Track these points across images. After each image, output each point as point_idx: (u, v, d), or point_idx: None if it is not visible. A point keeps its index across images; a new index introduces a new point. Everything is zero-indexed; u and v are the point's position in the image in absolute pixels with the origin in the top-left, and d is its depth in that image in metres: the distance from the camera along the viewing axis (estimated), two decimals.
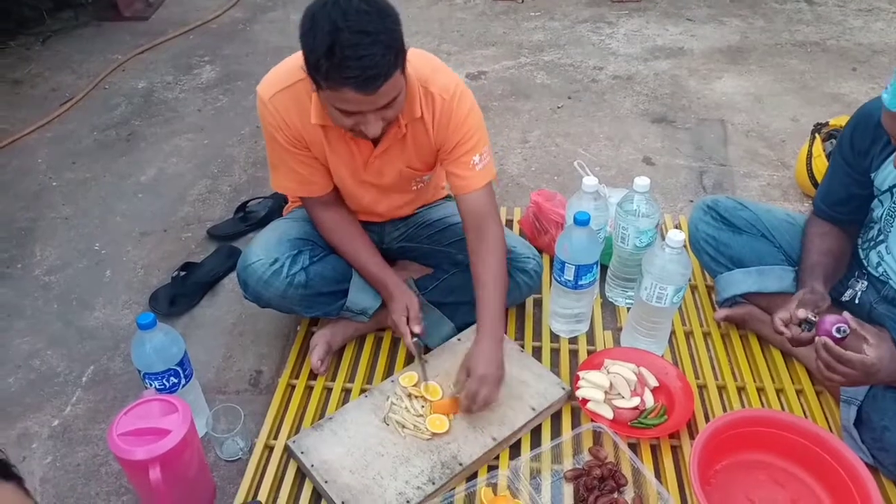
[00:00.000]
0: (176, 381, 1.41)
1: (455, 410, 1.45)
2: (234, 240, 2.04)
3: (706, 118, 2.67)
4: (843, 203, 1.48)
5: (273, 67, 1.44)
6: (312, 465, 1.37)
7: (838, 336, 1.24)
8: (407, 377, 1.52)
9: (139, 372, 1.39)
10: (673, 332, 1.70)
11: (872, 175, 1.39)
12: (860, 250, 1.49)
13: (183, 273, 1.90)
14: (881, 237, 1.43)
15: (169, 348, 1.39)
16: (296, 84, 1.38)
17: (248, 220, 2.08)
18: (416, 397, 1.48)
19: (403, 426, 1.42)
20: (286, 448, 1.43)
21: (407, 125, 1.43)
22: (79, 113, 2.78)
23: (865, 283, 1.48)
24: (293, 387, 1.58)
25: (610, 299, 1.82)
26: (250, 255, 1.54)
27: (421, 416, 1.44)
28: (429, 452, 1.39)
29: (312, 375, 1.61)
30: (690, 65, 3.03)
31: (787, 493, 1.34)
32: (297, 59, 1.42)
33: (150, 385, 1.39)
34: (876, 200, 1.42)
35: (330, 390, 1.58)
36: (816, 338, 1.26)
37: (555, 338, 1.71)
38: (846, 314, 1.25)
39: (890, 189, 1.37)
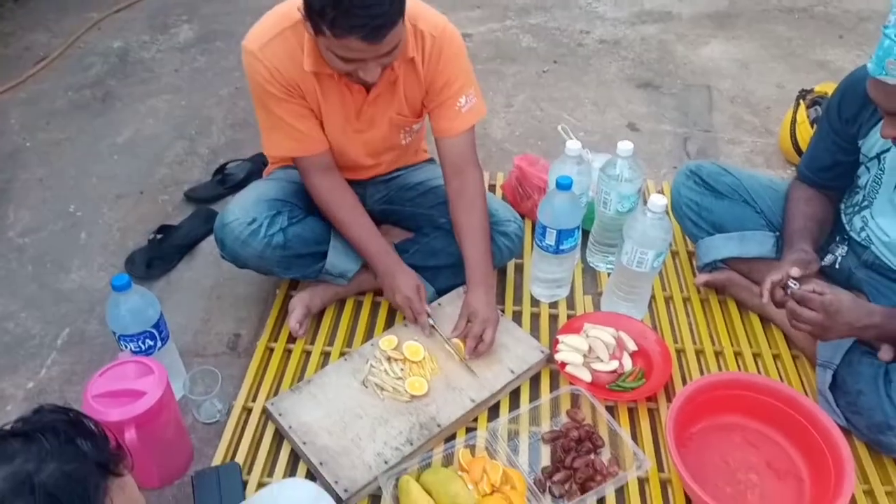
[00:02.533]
0: (152, 343, 1.39)
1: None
2: (213, 203, 2.01)
3: (692, 84, 2.65)
4: (828, 170, 1.47)
5: (255, 24, 1.41)
6: (290, 427, 1.36)
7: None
8: (386, 340, 1.51)
9: (114, 334, 1.37)
10: (653, 298, 1.71)
11: (860, 142, 1.39)
12: (843, 215, 1.49)
13: (160, 236, 1.87)
14: (866, 202, 1.43)
15: (144, 310, 1.37)
16: (284, 32, 1.36)
17: (227, 182, 2.05)
18: (396, 360, 1.48)
19: (382, 388, 1.42)
20: (264, 410, 1.43)
21: (399, 67, 1.42)
22: (53, 73, 2.71)
23: (846, 248, 1.48)
24: (272, 350, 1.57)
25: (591, 265, 1.82)
26: (228, 215, 1.52)
27: (400, 378, 1.44)
28: (407, 414, 1.39)
29: (291, 339, 1.60)
30: (678, 30, 3.00)
31: (762, 454, 1.36)
32: (280, 9, 1.39)
33: (126, 347, 1.37)
34: (862, 167, 1.41)
35: (309, 354, 1.57)
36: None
37: (535, 302, 1.71)
38: (793, 269, 1.32)
39: (877, 156, 1.36)
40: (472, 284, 1.49)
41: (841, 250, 1.48)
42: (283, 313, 1.63)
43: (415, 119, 1.56)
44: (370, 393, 1.43)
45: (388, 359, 1.48)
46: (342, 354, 1.55)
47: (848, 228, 1.47)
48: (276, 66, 1.38)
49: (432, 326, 1.50)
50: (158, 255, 1.82)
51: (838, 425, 1.36)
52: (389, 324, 1.63)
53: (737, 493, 1.30)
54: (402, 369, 1.46)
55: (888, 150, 1.33)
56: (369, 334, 1.61)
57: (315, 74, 1.39)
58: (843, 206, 1.50)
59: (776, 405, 1.36)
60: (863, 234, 1.43)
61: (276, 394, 1.47)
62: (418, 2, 1.43)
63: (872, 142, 1.36)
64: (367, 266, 1.60)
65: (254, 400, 1.47)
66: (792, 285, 1.31)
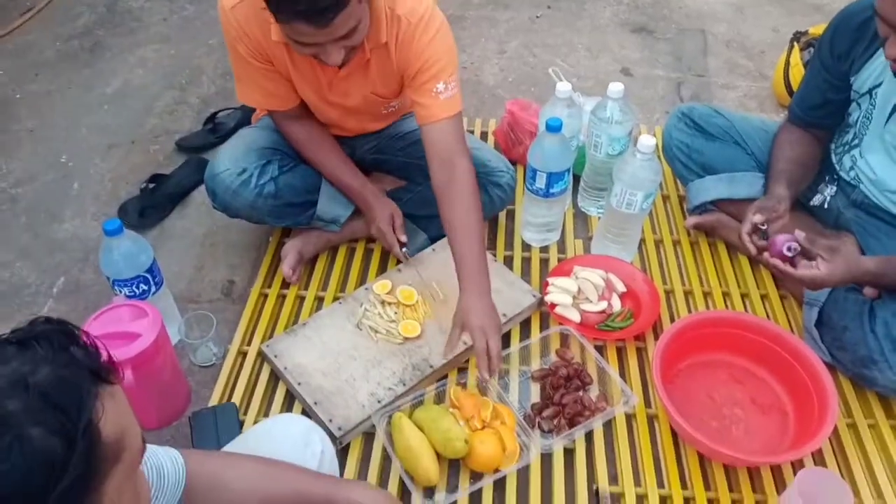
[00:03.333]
0: (146, 287, 1.41)
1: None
2: (204, 151, 2.01)
3: (687, 28, 2.61)
4: (819, 108, 1.47)
5: None
6: (286, 368, 1.39)
7: (789, 255, 1.26)
8: (380, 285, 1.52)
9: (108, 279, 1.39)
10: (643, 241, 1.72)
11: (852, 79, 1.38)
12: (833, 154, 1.49)
13: (152, 185, 1.87)
14: (856, 141, 1.43)
15: (137, 255, 1.38)
16: None
17: (218, 131, 2.04)
18: (389, 304, 1.50)
19: (376, 331, 1.44)
20: (260, 352, 1.45)
21: (371, 50, 1.38)
22: (40, 23, 2.67)
23: (835, 188, 1.49)
24: (266, 296, 1.59)
25: (582, 209, 1.82)
26: (218, 165, 1.52)
27: (393, 321, 1.46)
28: (400, 356, 1.41)
29: (285, 285, 1.61)
30: None
31: (746, 389, 1.39)
32: None
33: (120, 292, 1.39)
34: (853, 104, 1.41)
35: (303, 299, 1.59)
36: (766, 254, 1.30)
37: (526, 247, 1.72)
38: (797, 232, 1.26)
39: (869, 91, 1.36)
40: (464, 291, 1.31)
41: (830, 190, 1.49)
42: (277, 260, 1.64)
43: (393, 98, 1.53)
44: (364, 335, 1.45)
45: (383, 302, 1.50)
46: (336, 299, 1.56)
47: (837, 168, 1.47)
48: (245, 30, 1.36)
49: (406, 256, 1.51)
50: (151, 205, 1.82)
51: (823, 361, 1.39)
52: (382, 269, 1.64)
53: (722, 427, 1.34)
54: (395, 312, 1.48)
55: (879, 84, 1.33)
56: (362, 279, 1.63)
57: (285, 44, 1.35)
58: (833, 145, 1.50)
59: (762, 342, 1.38)
60: (852, 174, 1.43)
61: (270, 337, 1.49)
62: None
63: (864, 77, 1.36)
64: (359, 212, 1.61)
65: (249, 343, 1.49)
66: (762, 227, 1.33)
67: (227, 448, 1.05)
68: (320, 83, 1.46)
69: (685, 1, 2.76)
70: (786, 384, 1.37)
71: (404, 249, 1.50)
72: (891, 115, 1.32)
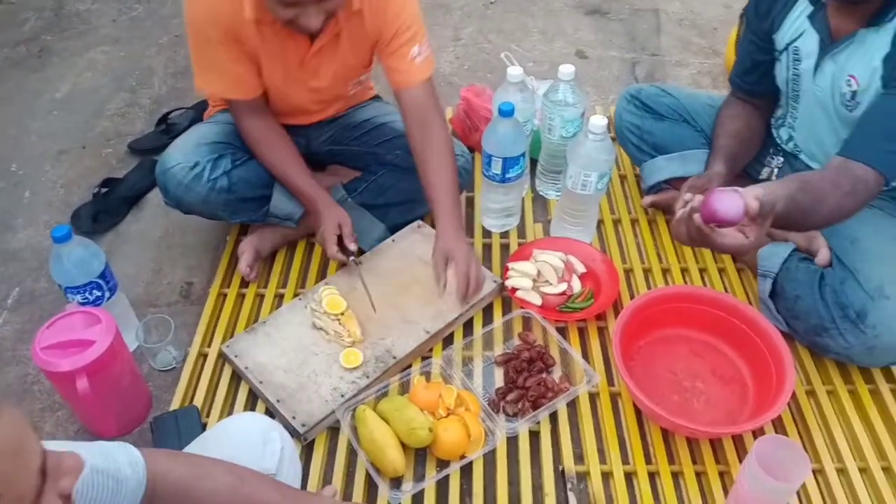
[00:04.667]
0: (99, 293, 1.38)
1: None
2: (157, 153, 1.94)
3: (640, 8, 2.63)
4: (750, 72, 1.50)
5: None
6: (247, 368, 1.38)
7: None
8: (329, 300, 1.47)
9: (60, 287, 1.36)
10: (602, 221, 1.73)
11: (774, 36, 1.40)
12: (773, 129, 1.51)
13: (104, 189, 1.84)
14: (790, 110, 1.47)
15: (89, 261, 1.36)
16: None
17: (171, 132, 2.01)
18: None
19: (326, 332, 1.43)
20: (220, 353, 1.44)
21: (345, 19, 1.38)
22: None
23: (781, 159, 1.51)
24: (225, 296, 1.57)
25: (540, 192, 1.83)
26: (169, 159, 1.49)
27: (339, 321, 1.44)
28: (363, 349, 1.41)
29: (244, 284, 1.60)
30: None
31: (706, 363, 1.40)
32: None
33: (73, 299, 1.36)
34: (779, 65, 1.43)
35: (262, 297, 1.57)
36: (696, 216, 1.08)
37: (487, 234, 1.72)
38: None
39: (787, 47, 1.39)
40: (441, 229, 1.45)
41: (777, 161, 1.51)
42: (235, 259, 1.62)
43: (363, 70, 1.53)
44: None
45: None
46: (296, 295, 1.55)
47: (778, 141, 1.49)
48: (216, 11, 1.34)
49: (353, 262, 1.49)
50: (104, 209, 1.79)
51: (780, 331, 1.41)
52: (343, 264, 1.62)
53: (683, 400, 1.35)
54: (338, 316, 1.46)
55: (798, 37, 1.36)
56: (322, 274, 1.62)
57: (256, 22, 1.35)
58: (772, 119, 1.52)
59: (719, 315, 1.40)
60: (790, 145, 1.46)
61: (231, 338, 1.47)
62: None
63: (784, 32, 1.39)
64: None
65: (209, 345, 1.48)
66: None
67: (187, 450, 1.04)
68: (290, 62, 1.44)
69: None
70: (744, 355, 1.38)
71: (352, 258, 1.49)
72: (817, 67, 1.35)
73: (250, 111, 1.50)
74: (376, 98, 1.76)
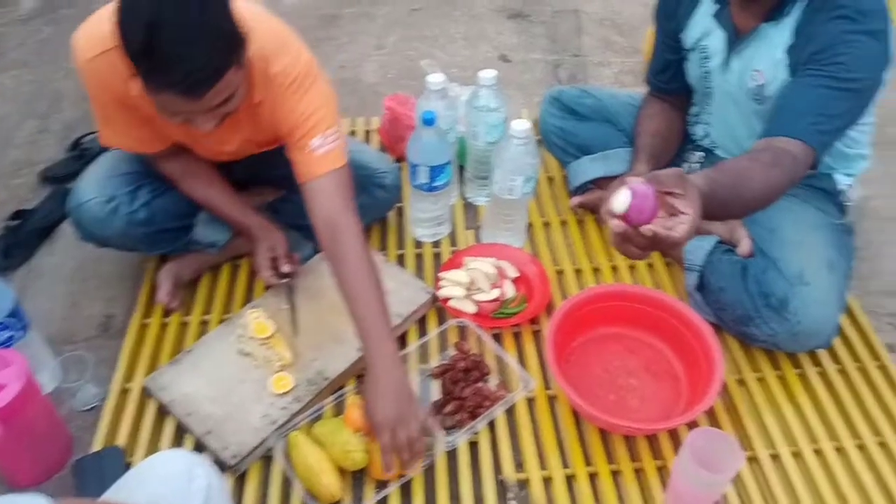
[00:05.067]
0: (10, 334, 1.31)
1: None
2: (71, 181, 1.85)
3: (560, 10, 2.65)
4: (663, 72, 1.52)
5: (94, 15, 1.23)
6: (173, 401, 1.32)
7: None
8: (256, 324, 1.43)
9: None
10: (532, 224, 1.73)
11: (681, 35, 1.43)
12: (689, 126, 1.54)
13: (16, 222, 1.75)
14: (700, 108, 1.50)
15: None
16: (111, 51, 1.13)
17: (85, 156, 1.91)
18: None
19: (254, 358, 1.38)
20: (144, 388, 1.38)
21: (244, 109, 1.29)
22: None
23: (702, 154, 1.54)
24: (147, 327, 1.51)
25: (470, 199, 1.82)
26: (82, 194, 1.42)
27: (266, 345, 1.40)
28: (294, 372, 1.37)
29: (167, 313, 1.53)
30: None
31: (640, 359, 1.41)
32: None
33: None
34: (689, 64, 1.46)
35: (187, 325, 1.52)
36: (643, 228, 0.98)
37: (418, 243, 1.70)
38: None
39: (695, 45, 1.41)
40: (368, 368, 1.21)
41: (696, 157, 1.53)
42: (156, 288, 1.56)
43: (271, 146, 1.47)
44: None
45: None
46: (222, 321, 1.50)
47: (694, 137, 1.52)
48: (105, 82, 1.24)
49: (287, 286, 1.45)
50: (16, 243, 1.70)
51: (710, 322, 1.43)
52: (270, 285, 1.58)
53: (619, 398, 1.36)
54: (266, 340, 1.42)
55: (706, 35, 1.38)
56: (249, 297, 1.57)
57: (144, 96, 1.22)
58: (688, 116, 1.55)
59: (648, 311, 1.41)
60: (707, 140, 1.49)
61: (155, 370, 1.41)
62: (282, 37, 1.28)
63: (689, 32, 1.41)
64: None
65: (132, 380, 1.41)
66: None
67: (108, 493, 0.99)
68: (193, 132, 1.33)
69: None
70: (675, 349, 1.40)
71: (285, 280, 1.45)
72: (726, 63, 1.37)
73: (164, 157, 1.44)
74: None
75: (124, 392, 1.39)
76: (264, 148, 1.49)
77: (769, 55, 1.28)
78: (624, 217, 0.97)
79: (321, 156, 1.29)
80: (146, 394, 1.38)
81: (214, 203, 1.47)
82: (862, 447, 1.29)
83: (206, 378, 1.36)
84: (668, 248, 0.96)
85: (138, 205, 1.44)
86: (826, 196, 1.45)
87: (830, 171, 1.45)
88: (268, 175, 1.64)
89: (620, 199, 0.95)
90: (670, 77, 1.51)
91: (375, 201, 1.60)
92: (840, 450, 1.29)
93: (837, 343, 1.44)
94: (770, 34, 1.28)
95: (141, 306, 1.54)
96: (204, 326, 1.51)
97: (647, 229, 0.93)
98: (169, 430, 1.33)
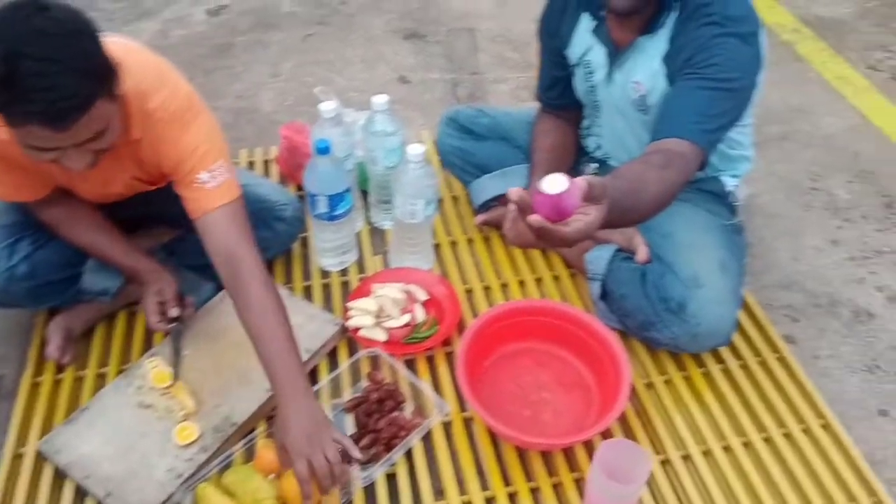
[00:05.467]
0: None
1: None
2: None
3: (455, 28, 2.68)
4: (551, 88, 1.56)
5: None
6: (70, 463, 1.25)
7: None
8: (154, 374, 1.37)
9: None
10: (439, 245, 1.73)
11: (566, 52, 1.46)
12: (582, 139, 1.58)
13: None
14: (591, 121, 1.54)
15: None
16: None
17: None
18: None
19: (155, 409, 1.32)
20: (39, 452, 1.29)
21: (122, 146, 1.23)
22: None
23: (596, 165, 1.57)
24: (38, 385, 1.42)
25: (376, 224, 1.80)
26: None
27: (171, 397, 1.34)
28: (198, 421, 1.31)
29: (60, 369, 1.45)
30: None
31: (551, 372, 1.43)
32: None
33: None
34: (576, 78, 1.50)
35: (82, 380, 1.44)
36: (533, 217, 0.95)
37: (325, 273, 1.67)
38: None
39: (579, 61, 1.45)
40: (279, 404, 1.17)
41: (591, 168, 1.57)
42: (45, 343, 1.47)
43: (157, 185, 1.41)
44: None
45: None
46: (120, 373, 1.43)
47: (588, 150, 1.56)
48: None
49: (175, 331, 1.40)
50: None
51: (617, 329, 1.46)
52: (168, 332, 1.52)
53: (533, 413, 1.36)
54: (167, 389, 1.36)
55: (588, 51, 1.42)
56: (148, 345, 1.50)
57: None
58: (580, 130, 1.59)
59: (556, 323, 1.43)
60: (599, 152, 1.53)
61: (50, 432, 1.33)
62: (160, 73, 1.23)
63: (573, 48, 1.45)
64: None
65: (25, 444, 1.32)
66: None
67: None
68: (71, 174, 1.26)
69: (451, 3, 2.83)
70: (584, 359, 1.42)
71: (172, 325, 1.39)
72: (609, 76, 1.41)
73: (45, 203, 1.36)
74: None
75: (17, 457, 1.31)
76: (153, 186, 1.43)
77: (647, 66, 1.33)
78: (551, 205, 0.89)
79: (211, 190, 1.26)
80: (41, 458, 1.29)
81: (99, 248, 1.40)
82: (768, 440, 1.34)
83: (104, 436, 1.29)
84: (556, 244, 0.92)
85: (18, 259, 1.36)
86: (715, 198, 1.51)
87: (717, 173, 1.51)
88: (161, 214, 1.58)
89: (556, 181, 0.87)
90: (560, 93, 1.55)
91: (277, 235, 1.57)
92: (748, 444, 1.33)
93: (738, 339, 1.49)
94: (647, 46, 1.33)
95: (31, 364, 1.45)
96: (101, 380, 1.44)
97: (534, 219, 0.87)
98: (68, 495, 1.25)
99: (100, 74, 1.04)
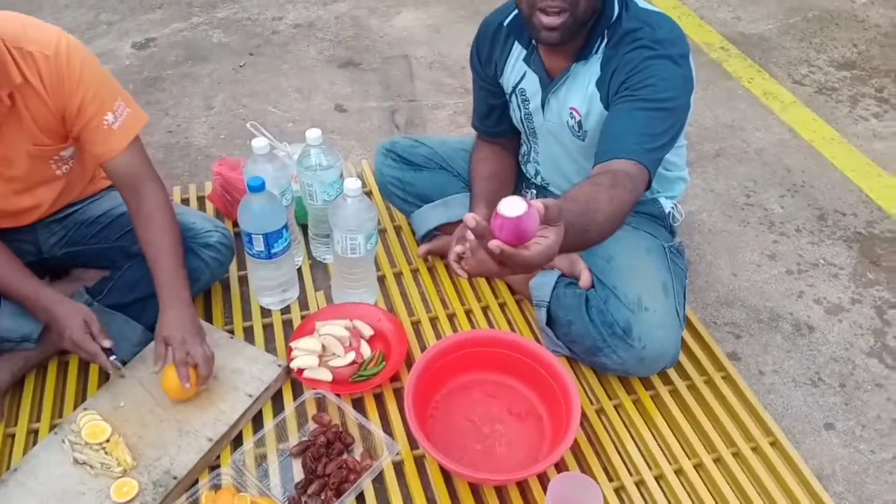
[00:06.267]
0: None
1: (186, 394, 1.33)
2: None
3: (390, 55, 2.67)
4: (487, 116, 1.56)
5: None
6: None
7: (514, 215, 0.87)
8: (89, 428, 1.29)
9: None
10: (383, 277, 1.70)
11: (501, 81, 1.47)
12: (521, 165, 1.58)
13: None
14: (529, 148, 1.55)
15: None
16: None
17: None
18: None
19: (91, 465, 1.25)
20: None
21: (12, 95, 1.23)
22: None
23: (535, 191, 1.57)
24: None
25: (318, 258, 1.76)
26: None
27: (107, 451, 1.27)
28: (136, 475, 1.25)
29: None
30: (369, 3, 3.01)
31: (502, 402, 1.41)
32: None
33: None
34: (511, 105, 1.50)
35: (14, 437, 1.35)
36: (493, 243, 0.89)
37: (266, 312, 1.62)
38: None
39: (514, 89, 1.46)
40: (163, 306, 1.33)
41: (530, 195, 1.57)
42: None
43: (61, 145, 1.37)
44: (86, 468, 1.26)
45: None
46: (53, 427, 1.35)
47: (527, 175, 1.56)
48: None
49: (115, 364, 1.34)
50: None
51: (565, 355, 1.46)
52: (106, 378, 1.45)
53: (486, 448, 1.34)
54: (106, 441, 1.29)
55: (521, 79, 1.43)
56: (83, 396, 1.42)
57: None
58: (520, 156, 1.59)
59: (504, 353, 1.41)
60: (538, 178, 1.53)
61: None
62: (22, 20, 1.26)
63: (507, 76, 1.46)
64: None
65: None
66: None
67: None
68: None
69: (385, 29, 2.83)
70: (533, 388, 1.40)
71: (112, 357, 1.33)
72: (544, 103, 1.42)
73: None
74: (111, 188, 1.58)
75: None
76: (52, 152, 1.37)
77: (582, 91, 1.34)
78: (503, 229, 0.87)
79: (117, 130, 1.33)
80: None
81: (6, 282, 1.33)
82: (719, 460, 1.34)
83: (38, 497, 1.22)
84: (519, 268, 0.90)
85: None
86: (654, 220, 1.52)
87: (655, 195, 1.53)
88: (83, 254, 1.52)
89: (515, 204, 0.85)
90: (496, 121, 1.55)
91: (205, 263, 1.52)
92: (699, 466, 1.33)
93: (684, 359, 1.50)
94: (580, 72, 1.34)
95: None
96: (34, 436, 1.36)
97: (495, 244, 0.85)
98: None
99: None
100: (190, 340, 1.31)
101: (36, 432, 1.37)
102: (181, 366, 1.29)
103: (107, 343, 1.33)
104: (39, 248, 1.48)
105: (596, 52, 1.31)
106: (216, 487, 1.25)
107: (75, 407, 1.39)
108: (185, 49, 2.68)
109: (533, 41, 1.36)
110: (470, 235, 0.89)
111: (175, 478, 1.25)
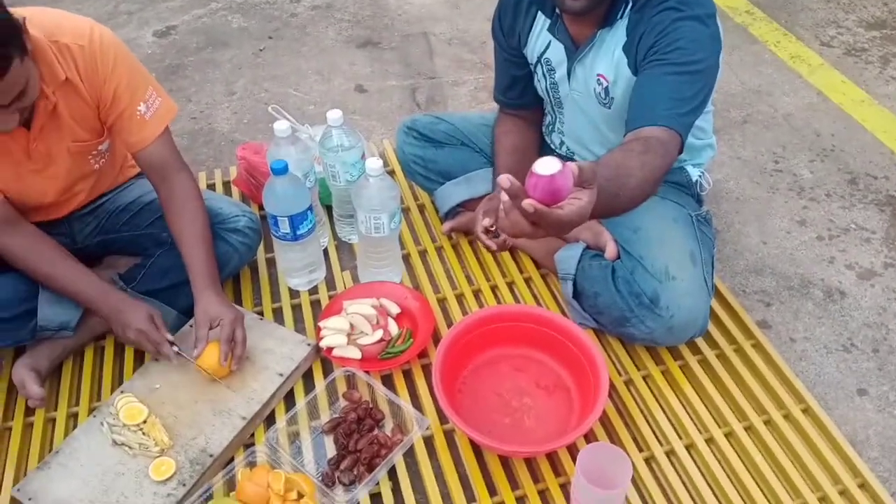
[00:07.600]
0: None
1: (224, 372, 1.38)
2: None
3: (409, 33, 2.66)
4: (511, 88, 1.55)
5: None
6: None
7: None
8: (126, 410, 1.33)
9: None
10: (408, 255, 1.71)
11: (524, 51, 1.46)
12: (546, 136, 1.57)
13: None
14: (554, 118, 1.53)
15: None
16: None
17: None
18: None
19: (130, 447, 1.29)
20: (12, 499, 1.25)
21: (55, 92, 1.26)
22: None
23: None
24: (9, 430, 1.38)
25: (343, 239, 1.77)
26: None
27: (145, 432, 1.31)
28: (173, 455, 1.28)
29: (30, 412, 1.41)
30: None
31: (530, 376, 1.41)
32: None
33: None
34: (536, 76, 1.49)
35: (54, 422, 1.40)
36: (527, 202, 0.87)
37: (294, 294, 1.64)
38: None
39: (539, 59, 1.44)
40: (199, 292, 1.37)
41: None
42: (13, 386, 1.43)
43: (98, 140, 1.39)
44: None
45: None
46: (91, 411, 1.39)
47: (552, 146, 1.55)
48: None
49: (179, 353, 1.38)
50: None
51: (592, 328, 1.46)
52: (140, 362, 1.48)
53: (514, 421, 1.35)
54: (143, 422, 1.33)
55: (546, 48, 1.41)
56: (120, 380, 1.46)
57: None
58: (544, 127, 1.58)
59: (530, 327, 1.41)
60: (563, 148, 1.52)
61: (23, 478, 1.28)
62: (54, 14, 1.28)
63: (532, 46, 1.44)
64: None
65: None
66: (492, 229, 1.37)
67: None
68: (15, 157, 1.29)
69: (403, 7, 2.82)
70: (561, 361, 1.41)
71: (175, 348, 1.36)
72: (570, 72, 1.40)
73: (1, 225, 1.32)
74: (139, 176, 1.61)
75: None
76: (90, 147, 1.40)
77: (609, 58, 1.33)
78: (537, 187, 0.86)
79: (151, 120, 1.36)
80: None
81: (63, 281, 1.36)
82: (750, 428, 1.34)
83: (79, 478, 1.25)
84: (552, 228, 0.89)
85: None
86: (681, 189, 1.51)
87: (682, 163, 1.51)
88: (115, 242, 1.55)
89: (550, 163, 0.84)
90: (520, 92, 1.54)
91: (234, 248, 1.54)
92: (730, 434, 1.33)
93: (713, 328, 1.50)
94: (607, 39, 1.32)
95: None
96: (73, 420, 1.40)
97: (530, 203, 0.85)
98: None
99: (9, 37, 1.07)
100: (235, 321, 1.36)
101: (76, 416, 1.41)
102: (226, 343, 1.34)
103: (170, 336, 1.37)
104: (74, 239, 1.52)
105: (621, 17, 1.30)
106: (251, 465, 1.28)
107: (112, 390, 1.43)
108: (206, 35, 2.69)
109: (557, 10, 1.34)
110: (504, 196, 0.90)
111: (211, 456, 1.28)
